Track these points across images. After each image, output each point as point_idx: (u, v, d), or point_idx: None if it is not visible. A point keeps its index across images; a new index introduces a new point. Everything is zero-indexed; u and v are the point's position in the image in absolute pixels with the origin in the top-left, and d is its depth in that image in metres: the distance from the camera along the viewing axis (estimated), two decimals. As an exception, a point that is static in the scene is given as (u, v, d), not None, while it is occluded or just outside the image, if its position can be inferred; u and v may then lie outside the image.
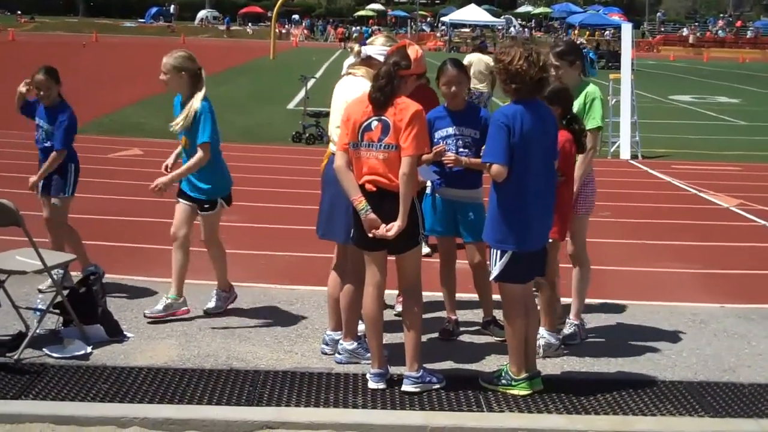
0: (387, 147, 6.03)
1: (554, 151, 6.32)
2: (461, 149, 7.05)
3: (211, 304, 7.75)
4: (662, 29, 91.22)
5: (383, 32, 8.53)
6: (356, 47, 6.87)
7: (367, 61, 6.75)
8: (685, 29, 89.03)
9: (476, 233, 7.00)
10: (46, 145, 8.20)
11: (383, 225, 6.03)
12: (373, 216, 6.04)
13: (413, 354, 6.27)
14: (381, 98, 6.05)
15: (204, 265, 7.99)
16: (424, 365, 6.39)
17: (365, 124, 6.09)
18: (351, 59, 6.95)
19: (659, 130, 23.01)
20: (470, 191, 7.23)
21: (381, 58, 6.58)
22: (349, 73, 6.81)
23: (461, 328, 7.54)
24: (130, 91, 27.17)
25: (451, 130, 7.12)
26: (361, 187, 6.10)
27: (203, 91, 7.42)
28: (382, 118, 6.04)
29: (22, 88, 8.16)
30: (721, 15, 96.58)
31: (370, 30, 70.76)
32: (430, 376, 6.31)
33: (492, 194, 6.18)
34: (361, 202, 6.06)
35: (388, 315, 7.41)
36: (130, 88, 28.41)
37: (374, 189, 6.07)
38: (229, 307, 7.92)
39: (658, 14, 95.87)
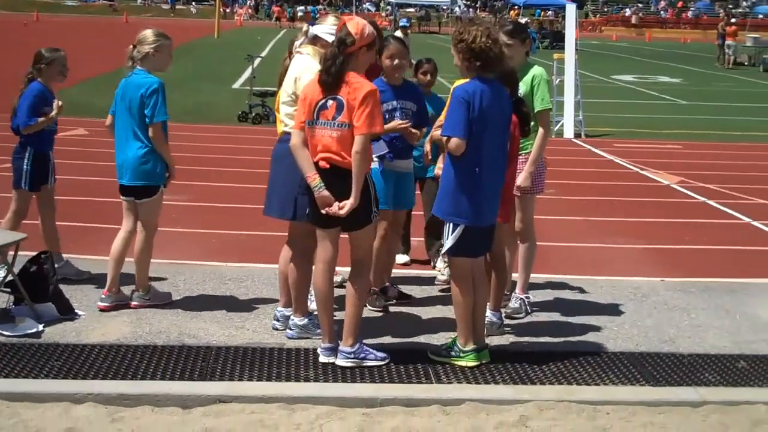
0: (340, 125, 6.13)
1: (508, 131, 6.48)
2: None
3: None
4: (605, 9, 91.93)
5: (331, 12, 8.55)
6: (304, 27, 6.96)
7: (315, 41, 6.83)
8: (627, 9, 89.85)
9: (411, 202, 7.75)
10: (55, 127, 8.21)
11: (336, 203, 6.14)
12: (326, 193, 6.14)
13: (349, 328, 6.37)
14: (329, 80, 6.15)
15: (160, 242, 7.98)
16: (366, 341, 6.51)
17: (321, 103, 6.18)
18: (301, 39, 7.02)
19: (602, 110, 23.32)
20: (410, 161, 7.62)
21: (328, 38, 6.67)
22: (298, 52, 6.88)
23: (408, 303, 7.77)
24: (73, 71, 26.83)
25: (395, 103, 7.28)
26: (315, 164, 6.19)
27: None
28: (337, 97, 6.14)
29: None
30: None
31: (317, 9, 70.55)
32: (368, 353, 6.41)
33: (447, 168, 6.33)
34: (315, 179, 6.15)
35: (339, 291, 7.51)
36: (74, 68, 28.07)
37: (327, 166, 6.17)
38: (181, 285, 7.98)
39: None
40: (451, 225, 6.33)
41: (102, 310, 7.31)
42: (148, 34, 7.29)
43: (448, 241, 6.35)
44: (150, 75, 7.22)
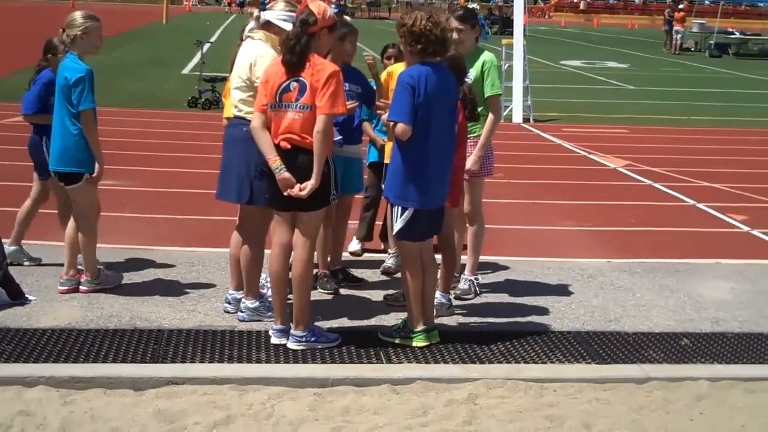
0: (303, 107, 6.17)
1: (455, 114, 6.57)
2: None
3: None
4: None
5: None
6: (255, 12, 6.96)
7: (266, 26, 6.84)
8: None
9: (358, 187, 7.88)
10: None
11: (297, 185, 6.18)
12: (287, 175, 6.17)
13: (299, 312, 6.41)
14: (293, 60, 6.19)
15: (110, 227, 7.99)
16: (318, 324, 6.61)
17: (284, 85, 6.21)
18: (252, 24, 7.03)
19: (550, 95, 23.53)
20: (359, 147, 7.76)
21: (280, 23, 6.70)
22: (248, 37, 6.90)
23: (359, 286, 7.87)
24: (21, 56, 26.58)
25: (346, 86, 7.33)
26: (276, 145, 6.23)
27: None
28: (300, 78, 6.19)
29: None
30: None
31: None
32: (318, 336, 6.46)
33: (395, 153, 6.42)
34: (275, 161, 6.18)
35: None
36: (21, 52, 27.80)
37: (289, 146, 6.20)
38: (132, 270, 7.98)
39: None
40: (400, 208, 6.41)
41: (62, 293, 7.32)
42: (77, 16, 7.18)
43: (397, 224, 6.43)
44: (79, 61, 7.08)
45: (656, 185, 12.93)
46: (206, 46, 21.17)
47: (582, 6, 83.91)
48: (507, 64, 19.74)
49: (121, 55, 29.02)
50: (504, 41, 20.71)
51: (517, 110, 19.27)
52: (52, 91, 7.62)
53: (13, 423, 5.26)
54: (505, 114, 18.99)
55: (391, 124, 6.32)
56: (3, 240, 7.35)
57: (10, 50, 29.12)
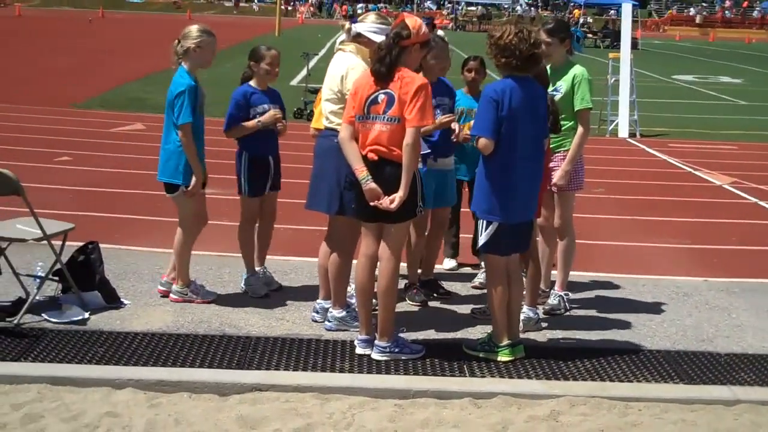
0: (390, 120, 6.21)
1: (543, 129, 6.51)
2: None
3: None
4: (669, 8, 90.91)
5: (375, 11, 8.52)
6: (347, 24, 7.04)
7: (357, 38, 6.91)
8: (691, 9, 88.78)
9: (452, 199, 7.89)
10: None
11: (385, 197, 6.20)
12: (373, 185, 6.20)
13: (383, 325, 6.46)
14: (383, 70, 6.22)
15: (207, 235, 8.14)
16: (403, 335, 6.64)
17: (372, 97, 6.26)
18: (343, 36, 7.11)
19: (660, 109, 23.14)
20: (451, 159, 7.77)
21: (370, 35, 6.76)
22: (339, 50, 6.98)
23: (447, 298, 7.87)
24: (134, 67, 27.39)
25: (434, 101, 7.34)
26: (364, 157, 6.27)
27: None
28: (388, 91, 6.22)
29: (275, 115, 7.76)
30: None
31: (378, 8, 70.54)
32: (402, 347, 6.48)
33: (481, 166, 6.41)
34: (362, 172, 6.22)
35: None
36: (134, 63, 28.64)
37: (376, 158, 6.24)
38: (225, 277, 8.13)
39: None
40: (485, 222, 6.40)
41: (160, 293, 7.54)
42: (193, 29, 7.31)
43: (482, 237, 6.43)
44: (185, 75, 7.17)
45: (761, 203, 12.61)
46: (313, 60, 21.41)
47: (698, 20, 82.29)
48: (613, 78, 19.50)
49: (233, 66, 29.41)
50: (611, 55, 20.47)
51: (623, 124, 18.99)
52: (247, 103, 7.73)
53: (100, 423, 5.42)
54: (610, 128, 18.84)
55: (475, 137, 6.32)
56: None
57: (123, 61, 29.98)
